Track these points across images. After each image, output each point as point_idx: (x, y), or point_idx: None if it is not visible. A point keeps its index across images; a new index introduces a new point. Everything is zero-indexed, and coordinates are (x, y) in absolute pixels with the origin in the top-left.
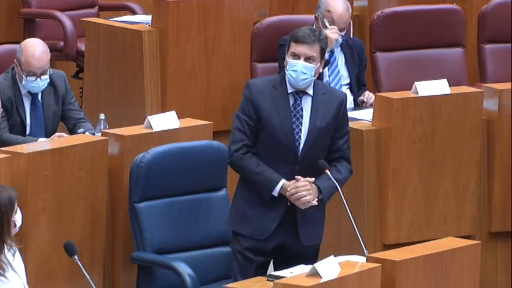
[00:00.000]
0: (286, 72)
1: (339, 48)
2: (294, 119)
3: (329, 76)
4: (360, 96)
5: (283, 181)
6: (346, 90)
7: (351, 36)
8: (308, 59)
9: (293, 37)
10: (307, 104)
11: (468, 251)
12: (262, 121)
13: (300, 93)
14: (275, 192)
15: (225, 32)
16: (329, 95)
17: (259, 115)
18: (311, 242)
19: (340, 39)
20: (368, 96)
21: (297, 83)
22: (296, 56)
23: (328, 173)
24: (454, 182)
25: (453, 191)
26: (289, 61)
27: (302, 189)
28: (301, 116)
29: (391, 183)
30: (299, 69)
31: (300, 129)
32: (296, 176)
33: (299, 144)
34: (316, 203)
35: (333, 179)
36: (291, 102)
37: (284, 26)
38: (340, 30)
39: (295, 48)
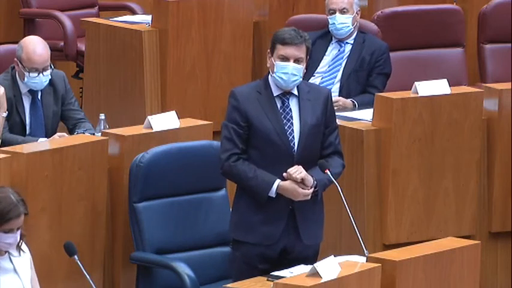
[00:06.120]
0: (273, 75)
1: (351, 42)
2: (285, 121)
3: (328, 66)
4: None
5: (278, 181)
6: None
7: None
8: (297, 60)
9: (279, 39)
10: (294, 105)
11: (468, 251)
12: (254, 127)
13: (286, 94)
14: (272, 193)
15: (225, 32)
16: (314, 93)
17: (249, 121)
18: (312, 241)
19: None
20: (338, 102)
21: (287, 85)
22: (285, 58)
23: (329, 173)
24: (454, 182)
25: (453, 191)
26: (277, 63)
27: (301, 169)
28: (291, 117)
29: (391, 183)
30: (290, 71)
31: (292, 130)
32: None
33: (293, 144)
34: (310, 195)
35: (334, 180)
36: (279, 105)
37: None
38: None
39: (283, 50)
